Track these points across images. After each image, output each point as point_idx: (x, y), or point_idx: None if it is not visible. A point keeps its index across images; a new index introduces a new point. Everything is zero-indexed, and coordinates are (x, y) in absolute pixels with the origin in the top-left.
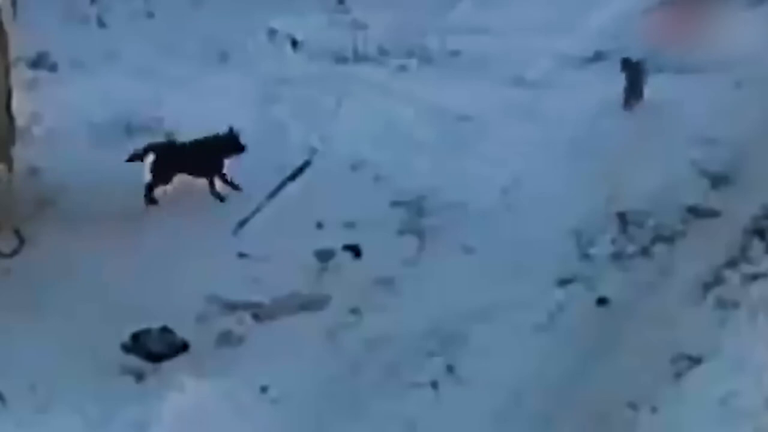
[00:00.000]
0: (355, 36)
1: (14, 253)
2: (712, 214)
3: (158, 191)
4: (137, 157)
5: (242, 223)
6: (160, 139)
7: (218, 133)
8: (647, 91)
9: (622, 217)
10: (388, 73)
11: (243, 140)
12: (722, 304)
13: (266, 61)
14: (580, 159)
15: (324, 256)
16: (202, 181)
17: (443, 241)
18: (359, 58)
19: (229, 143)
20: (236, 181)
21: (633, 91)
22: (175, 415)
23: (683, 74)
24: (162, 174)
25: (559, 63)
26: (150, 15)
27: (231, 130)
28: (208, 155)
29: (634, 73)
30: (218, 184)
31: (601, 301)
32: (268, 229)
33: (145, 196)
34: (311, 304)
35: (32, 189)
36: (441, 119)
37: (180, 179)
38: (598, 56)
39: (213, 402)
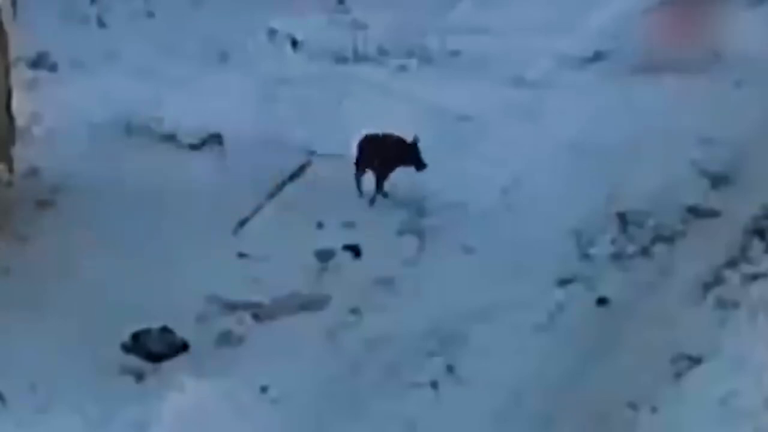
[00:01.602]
0: (355, 36)
1: None
2: (712, 214)
3: None
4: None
5: (242, 223)
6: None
7: (411, 141)
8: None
9: (622, 217)
10: (388, 73)
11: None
12: (722, 304)
13: (266, 61)
14: (580, 159)
15: (324, 256)
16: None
17: (443, 241)
18: (359, 58)
19: (411, 153)
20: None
21: None
22: (175, 415)
23: (683, 74)
24: (359, 164)
25: (559, 63)
26: (150, 15)
27: (415, 141)
28: (387, 154)
29: None
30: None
31: (601, 301)
32: (268, 229)
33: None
34: (311, 304)
35: (32, 189)
36: (441, 119)
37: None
38: (598, 56)
39: (213, 402)
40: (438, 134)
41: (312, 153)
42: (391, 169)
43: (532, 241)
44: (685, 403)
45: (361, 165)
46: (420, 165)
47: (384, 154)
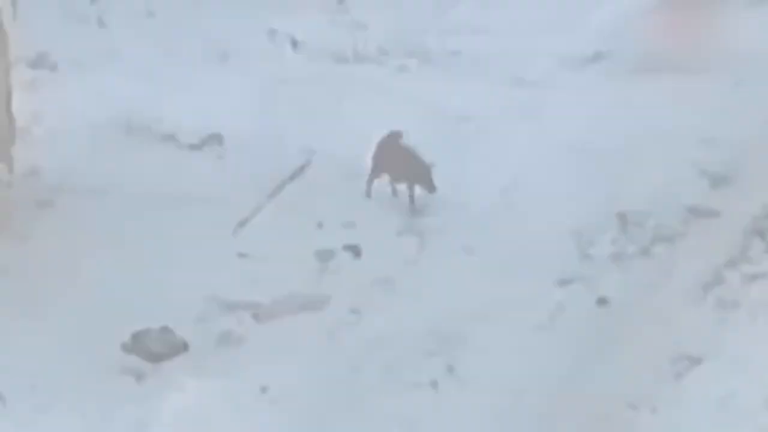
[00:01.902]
0: (355, 36)
1: None
2: (712, 214)
3: None
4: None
5: (242, 223)
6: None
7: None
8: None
9: (622, 217)
10: (388, 73)
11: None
12: (722, 304)
13: (266, 61)
14: (580, 159)
15: (324, 256)
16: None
17: (443, 241)
18: (359, 58)
19: (424, 176)
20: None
21: None
22: (175, 415)
23: (683, 74)
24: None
25: (559, 63)
26: (150, 15)
27: (429, 166)
28: (400, 169)
29: None
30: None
31: (601, 301)
32: (268, 229)
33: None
34: (311, 304)
35: (32, 189)
36: (441, 119)
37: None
38: (598, 56)
39: (213, 402)
40: (438, 134)
41: (312, 153)
42: (400, 180)
43: (532, 241)
44: (685, 403)
45: (375, 169)
46: (432, 188)
47: (397, 168)
